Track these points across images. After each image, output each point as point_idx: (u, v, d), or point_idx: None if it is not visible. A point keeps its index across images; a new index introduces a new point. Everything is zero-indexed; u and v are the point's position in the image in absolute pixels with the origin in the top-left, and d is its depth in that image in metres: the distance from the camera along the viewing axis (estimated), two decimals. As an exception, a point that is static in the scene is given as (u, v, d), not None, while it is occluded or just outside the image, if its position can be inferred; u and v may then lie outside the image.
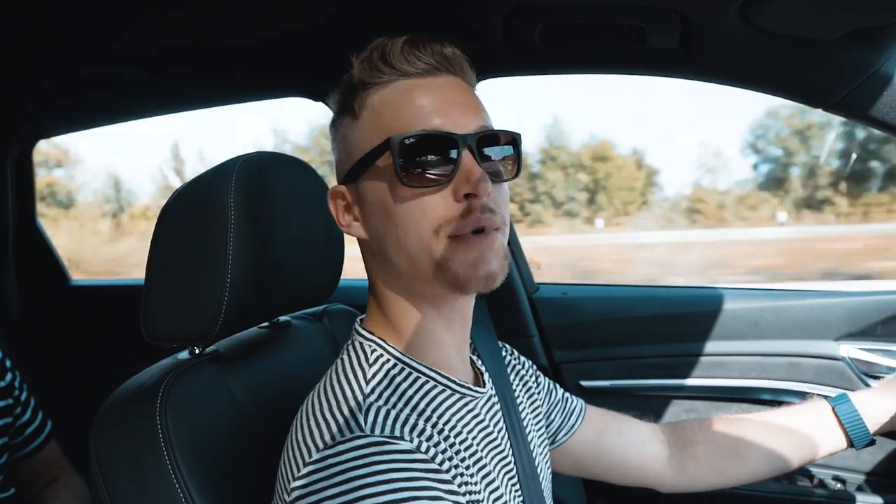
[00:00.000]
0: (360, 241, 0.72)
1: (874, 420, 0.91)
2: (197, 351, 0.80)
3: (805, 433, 0.93)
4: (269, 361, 0.88)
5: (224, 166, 0.78)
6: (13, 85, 1.38)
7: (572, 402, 0.97)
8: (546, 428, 0.93)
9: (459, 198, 0.62)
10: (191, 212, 0.78)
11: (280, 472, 0.63)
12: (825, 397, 0.94)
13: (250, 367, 0.84)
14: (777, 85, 1.08)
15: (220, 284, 0.73)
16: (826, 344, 1.32)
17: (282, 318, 0.98)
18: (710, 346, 1.39)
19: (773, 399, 1.34)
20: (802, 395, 1.31)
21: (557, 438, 0.95)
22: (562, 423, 0.95)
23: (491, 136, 0.65)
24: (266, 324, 0.96)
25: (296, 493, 0.57)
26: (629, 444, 0.96)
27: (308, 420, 0.63)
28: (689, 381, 1.40)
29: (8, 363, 1.28)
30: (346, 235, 0.94)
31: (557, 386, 0.98)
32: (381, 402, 0.63)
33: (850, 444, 0.91)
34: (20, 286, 1.89)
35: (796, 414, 0.96)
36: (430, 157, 0.62)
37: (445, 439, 0.65)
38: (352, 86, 0.68)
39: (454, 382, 0.70)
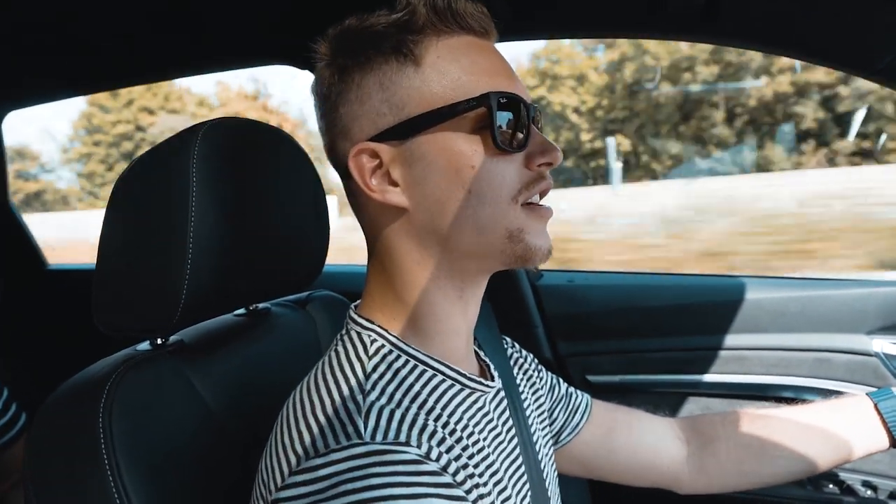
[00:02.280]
0: (387, 212, 0.61)
1: None
2: (159, 341, 0.72)
3: (841, 431, 0.85)
4: (242, 353, 0.79)
5: (186, 132, 0.69)
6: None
7: (577, 397, 0.90)
8: (549, 426, 0.86)
9: (532, 166, 0.61)
10: (148, 184, 0.69)
11: (259, 479, 0.55)
12: (866, 393, 0.87)
13: (220, 360, 0.76)
14: (813, 50, 0.98)
15: (180, 266, 0.65)
16: (857, 338, 1.23)
17: (260, 305, 0.89)
18: (730, 339, 1.30)
19: (796, 397, 1.26)
20: (830, 393, 1.23)
21: (561, 438, 0.88)
22: (566, 421, 0.88)
23: (538, 109, 0.65)
24: (242, 311, 0.88)
25: None
26: (641, 442, 0.89)
27: (296, 420, 0.55)
28: (706, 377, 1.31)
29: None
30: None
31: (561, 381, 0.91)
32: (383, 400, 0.55)
33: (893, 444, 0.83)
34: (-7, 271, 1.81)
35: (831, 410, 0.88)
36: (511, 122, 0.59)
37: (458, 441, 0.58)
38: (412, 28, 0.59)
39: (464, 376, 0.63)
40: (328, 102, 0.63)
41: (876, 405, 0.84)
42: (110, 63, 1.38)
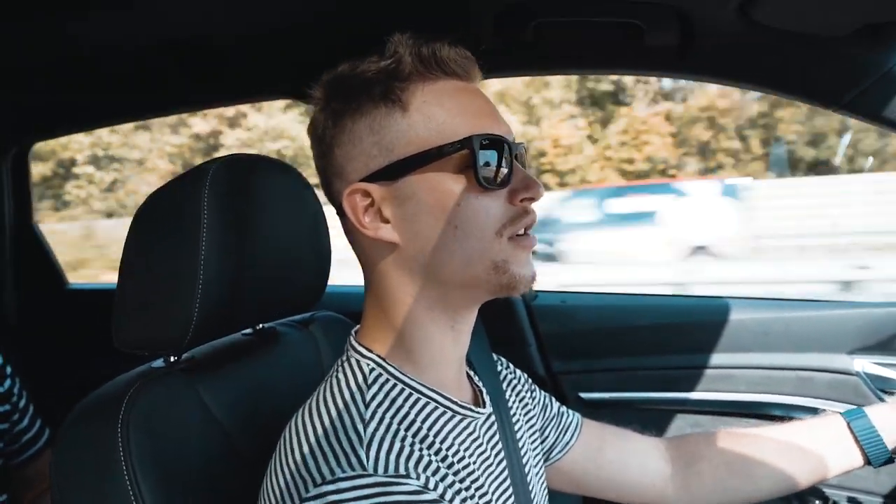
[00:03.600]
0: (380, 247, 0.66)
1: (893, 437, 0.86)
2: (172, 359, 0.77)
3: (817, 450, 0.88)
4: (249, 371, 0.84)
5: (200, 168, 0.76)
6: (7, 85, 1.37)
7: (568, 416, 0.93)
8: (541, 444, 0.89)
9: (515, 201, 0.64)
10: (164, 214, 0.75)
11: (267, 497, 0.59)
12: (839, 412, 0.90)
13: (228, 377, 0.81)
14: (781, 85, 1.04)
15: (192, 289, 0.70)
16: (839, 357, 1.26)
17: (266, 325, 0.94)
18: (716, 358, 1.33)
19: (783, 414, 1.28)
20: (813, 411, 1.26)
21: (552, 455, 0.91)
22: (557, 439, 0.91)
23: (521, 147, 0.68)
24: (249, 331, 0.93)
25: None
26: (629, 461, 0.92)
27: (299, 444, 0.59)
28: (694, 395, 1.35)
29: (8, 370, 1.27)
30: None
31: (553, 400, 0.94)
32: (381, 430, 0.59)
33: (867, 462, 0.86)
34: (17, 290, 1.88)
35: (808, 429, 0.91)
36: (493, 160, 0.62)
37: (449, 466, 0.62)
38: (399, 75, 0.63)
39: (455, 404, 0.67)
40: (323, 144, 0.67)
41: (849, 424, 0.87)
42: (131, 97, 1.46)
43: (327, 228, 0.90)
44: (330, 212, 0.79)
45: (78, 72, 1.32)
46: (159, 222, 0.75)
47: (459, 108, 0.63)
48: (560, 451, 0.91)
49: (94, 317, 1.84)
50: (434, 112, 0.63)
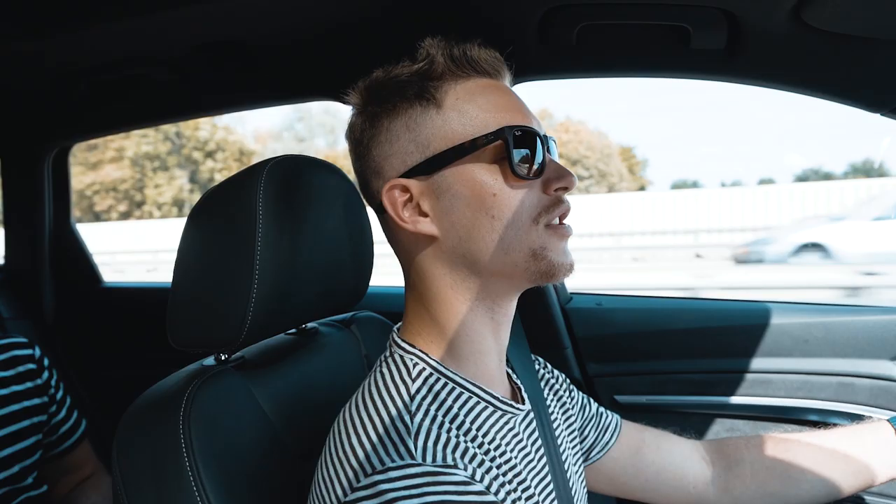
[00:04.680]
0: (419, 241, 0.68)
1: None
2: (223, 357, 0.79)
3: (863, 456, 0.87)
4: (295, 369, 0.86)
5: (253, 169, 0.77)
6: (48, 85, 1.40)
7: (607, 417, 0.93)
8: (580, 444, 0.89)
9: (549, 191, 0.66)
10: (219, 215, 0.77)
11: (319, 489, 0.61)
12: (885, 419, 0.89)
13: (276, 375, 0.82)
14: (830, 88, 1.02)
15: (247, 290, 0.72)
16: (882, 364, 1.24)
17: (309, 325, 0.96)
18: (754, 362, 1.32)
19: (820, 420, 1.27)
20: (853, 418, 1.24)
21: (591, 455, 0.91)
22: (596, 439, 0.91)
23: (552, 140, 0.71)
24: (293, 330, 0.94)
25: None
26: (668, 463, 0.92)
27: (348, 436, 0.61)
28: (732, 399, 1.33)
29: (46, 362, 1.30)
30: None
31: (592, 400, 0.95)
32: (427, 421, 0.60)
33: None
34: (54, 288, 1.92)
35: (853, 435, 0.90)
36: (526, 151, 0.64)
37: (492, 460, 0.63)
38: (432, 75, 0.66)
39: (496, 399, 0.68)
40: (361, 146, 0.70)
41: None
42: (170, 97, 1.48)
43: (371, 229, 0.90)
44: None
45: (117, 74, 1.34)
46: (214, 220, 0.77)
47: (491, 104, 0.66)
48: (599, 452, 0.91)
49: (128, 314, 1.90)
50: (467, 108, 0.65)
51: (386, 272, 1.23)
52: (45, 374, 1.28)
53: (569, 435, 0.86)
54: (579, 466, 0.85)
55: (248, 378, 0.78)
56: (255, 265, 0.71)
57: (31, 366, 1.27)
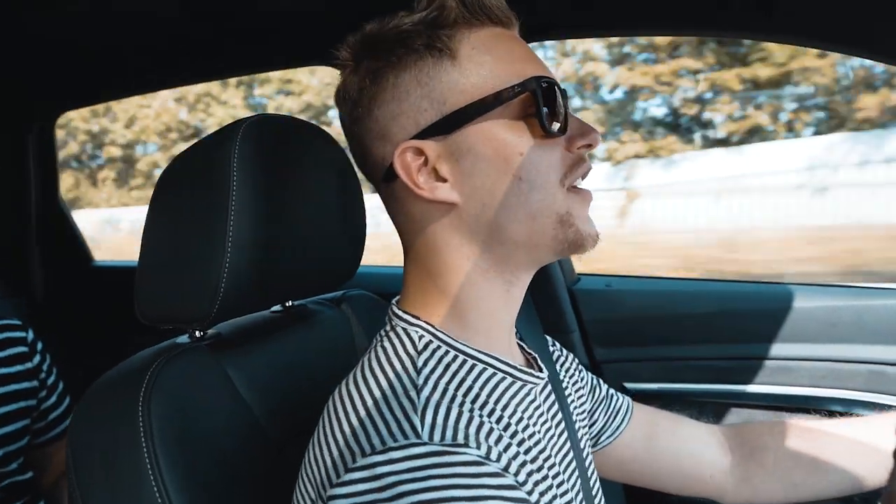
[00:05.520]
0: (435, 210, 0.61)
1: None
2: (197, 334, 0.74)
3: (890, 447, 0.81)
4: (277, 348, 0.80)
5: (227, 128, 0.70)
6: (30, 57, 1.35)
7: (618, 399, 0.89)
8: (589, 428, 0.85)
9: (573, 148, 0.61)
10: (189, 179, 0.71)
11: (308, 472, 0.55)
12: None
13: (256, 354, 0.77)
14: (875, 47, 0.93)
15: (219, 260, 0.66)
16: None
17: (296, 303, 0.90)
18: (776, 348, 1.25)
19: (845, 411, 1.20)
20: (883, 409, 1.17)
21: (601, 440, 0.87)
22: (606, 423, 0.87)
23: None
24: (278, 308, 0.89)
25: (336, 503, 0.49)
26: (684, 449, 0.87)
27: (345, 414, 0.54)
28: (750, 388, 1.26)
29: (39, 346, 1.28)
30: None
31: (602, 382, 0.90)
32: (437, 396, 0.54)
33: None
34: (43, 267, 1.88)
35: (885, 424, 0.85)
36: (552, 105, 0.59)
37: (513, 436, 0.57)
38: (443, 23, 0.59)
39: (514, 368, 0.62)
40: (360, 107, 0.62)
41: None
42: (157, 65, 1.42)
43: (363, 201, 0.85)
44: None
45: (102, 40, 1.28)
46: (185, 185, 0.71)
47: (510, 55, 0.61)
48: (609, 437, 0.87)
49: (119, 293, 1.85)
50: (485, 59, 0.59)
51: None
52: (37, 358, 1.26)
53: (581, 416, 0.82)
54: (588, 448, 0.80)
55: (222, 357, 0.72)
56: (229, 234, 0.66)
57: (23, 348, 1.24)
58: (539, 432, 0.63)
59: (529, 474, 0.54)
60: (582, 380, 0.86)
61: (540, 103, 0.58)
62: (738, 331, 1.28)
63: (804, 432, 0.87)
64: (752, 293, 1.31)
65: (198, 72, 1.45)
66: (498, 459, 0.50)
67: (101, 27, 1.23)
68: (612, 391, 0.90)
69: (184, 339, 0.74)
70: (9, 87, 1.58)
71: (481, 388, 0.59)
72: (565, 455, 0.68)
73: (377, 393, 0.55)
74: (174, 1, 1.12)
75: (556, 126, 0.59)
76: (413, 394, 0.54)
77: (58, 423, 1.29)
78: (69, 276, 1.91)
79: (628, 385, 1.36)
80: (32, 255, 1.85)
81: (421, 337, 0.61)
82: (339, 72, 0.66)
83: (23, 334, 1.25)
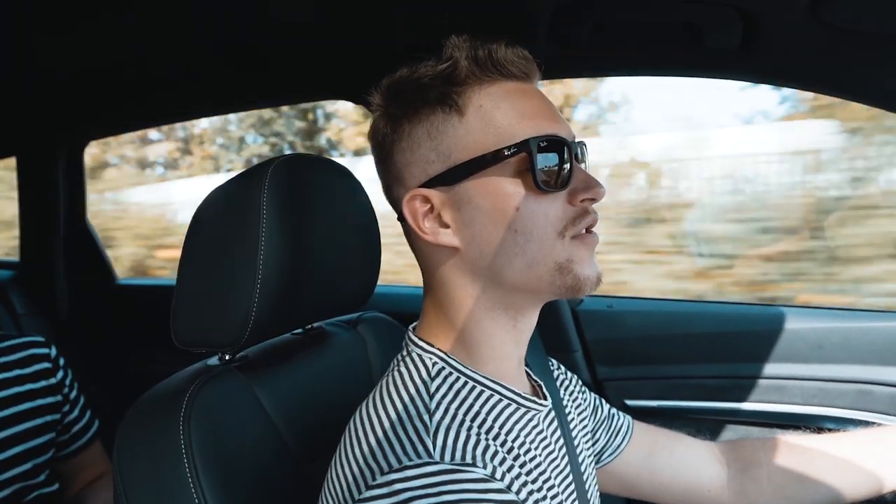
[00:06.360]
0: (440, 252, 0.66)
1: None
2: (227, 357, 0.79)
3: (882, 461, 0.85)
4: (300, 370, 0.85)
5: (257, 168, 0.76)
6: (60, 89, 1.41)
7: (619, 419, 0.92)
8: (592, 446, 0.88)
9: (576, 202, 0.63)
10: (223, 214, 0.76)
11: (331, 488, 0.60)
12: None
13: (280, 376, 0.82)
14: (849, 88, 0.99)
15: (250, 290, 0.71)
16: None
17: (315, 325, 0.95)
18: (769, 368, 1.29)
19: (836, 428, 1.24)
20: (871, 426, 1.20)
21: (603, 458, 0.90)
22: (607, 442, 0.90)
23: (582, 146, 0.67)
24: (299, 330, 0.94)
25: None
26: (682, 465, 0.90)
27: (365, 434, 0.59)
28: (744, 406, 1.31)
29: (61, 362, 1.31)
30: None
31: (604, 402, 0.93)
32: (447, 420, 0.59)
33: None
34: (68, 284, 1.93)
35: (872, 440, 0.89)
36: (552, 162, 0.61)
37: (515, 458, 0.61)
38: (455, 80, 0.63)
39: (520, 396, 0.67)
40: (383, 150, 0.68)
41: None
42: (182, 97, 1.48)
43: (378, 230, 0.90)
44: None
45: (132, 71, 1.34)
46: (218, 220, 0.76)
47: (517, 111, 0.63)
48: (611, 455, 0.90)
49: (142, 312, 1.90)
50: (491, 116, 0.62)
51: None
52: (60, 374, 1.29)
53: (583, 437, 0.85)
54: (592, 469, 0.84)
55: (251, 378, 0.77)
56: (259, 265, 0.71)
57: (47, 364, 1.28)
58: (540, 455, 0.66)
59: (530, 493, 0.59)
60: (585, 401, 0.89)
61: (535, 163, 0.60)
62: (733, 351, 1.32)
63: (795, 448, 0.90)
64: (747, 315, 1.35)
65: (223, 103, 1.51)
66: (501, 478, 0.56)
67: (129, 59, 1.29)
68: (613, 411, 0.93)
69: (214, 361, 0.79)
70: (42, 111, 1.64)
71: (487, 414, 0.63)
72: (565, 477, 0.71)
73: (393, 416, 0.59)
74: (204, 34, 1.18)
75: (553, 182, 0.61)
76: (426, 417, 0.58)
77: (80, 435, 1.32)
78: (93, 294, 1.96)
79: (629, 402, 1.40)
80: (58, 275, 1.90)
81: (434, 363, 0.65)
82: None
83: (46, 350, 1.28)
